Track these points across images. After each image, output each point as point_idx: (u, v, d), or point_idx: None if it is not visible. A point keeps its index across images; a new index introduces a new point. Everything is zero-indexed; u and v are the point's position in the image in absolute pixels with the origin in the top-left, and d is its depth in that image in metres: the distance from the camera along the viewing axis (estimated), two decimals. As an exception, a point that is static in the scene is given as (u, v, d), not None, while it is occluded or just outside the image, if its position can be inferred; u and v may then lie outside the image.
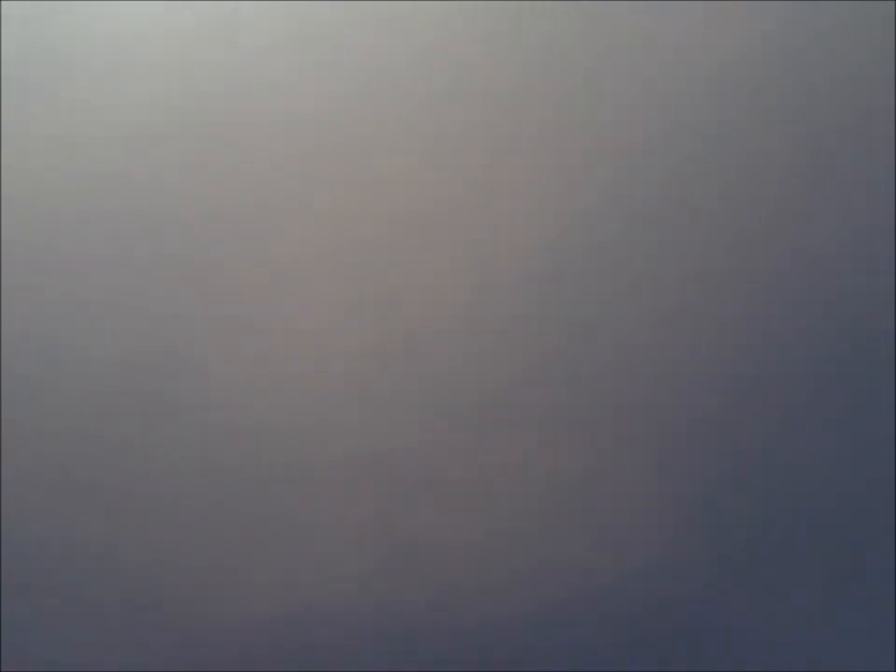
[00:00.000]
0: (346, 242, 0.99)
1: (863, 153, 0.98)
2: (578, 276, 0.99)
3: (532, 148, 0.98)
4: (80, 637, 0.97)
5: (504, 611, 0.99)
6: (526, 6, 0.98)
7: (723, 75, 0.99)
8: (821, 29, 1.00)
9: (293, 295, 0.99)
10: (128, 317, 0.98)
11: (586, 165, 0.99)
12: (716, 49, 0.99)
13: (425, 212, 0.98)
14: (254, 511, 0.99)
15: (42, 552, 0.97)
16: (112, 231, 0.98)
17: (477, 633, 0.99)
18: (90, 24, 0.94)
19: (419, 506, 0.99)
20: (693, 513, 0.99)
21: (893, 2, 1.00)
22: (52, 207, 0.98)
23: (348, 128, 0.98)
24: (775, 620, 0.98)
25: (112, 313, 0.98)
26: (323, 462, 0.99)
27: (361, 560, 0.99)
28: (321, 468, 0.99)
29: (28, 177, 0.97)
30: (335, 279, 0.98)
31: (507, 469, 0.99)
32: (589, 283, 0.99)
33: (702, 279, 0.99)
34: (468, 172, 0.99)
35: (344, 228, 0.98)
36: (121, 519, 0.98)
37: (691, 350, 0.99)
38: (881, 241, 0.99)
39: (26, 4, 0.88)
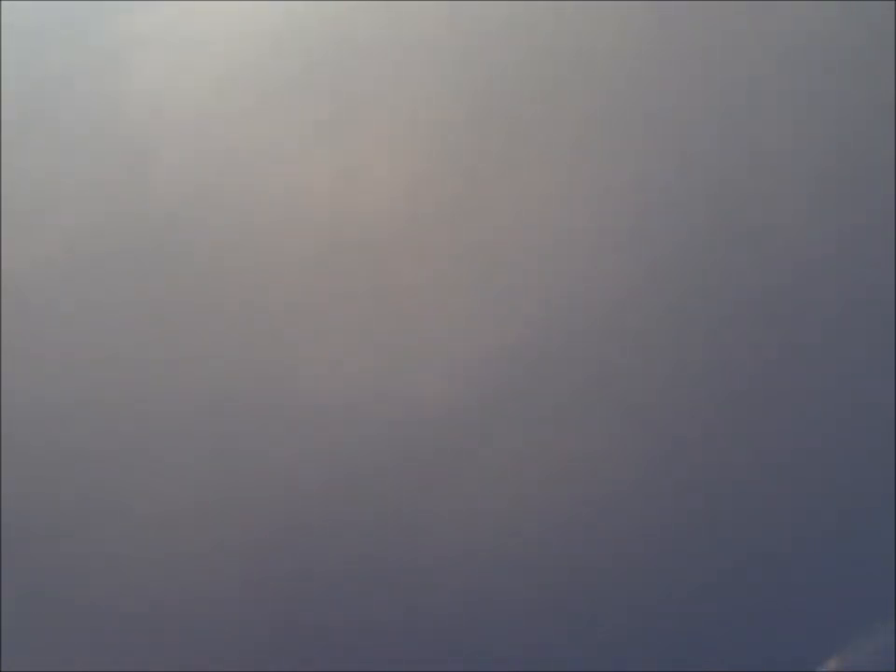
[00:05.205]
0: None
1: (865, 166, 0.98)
2: (580, 276, 0.99)
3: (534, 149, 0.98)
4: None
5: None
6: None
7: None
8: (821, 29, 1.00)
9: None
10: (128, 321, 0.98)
11: (586, 164, 0.99)
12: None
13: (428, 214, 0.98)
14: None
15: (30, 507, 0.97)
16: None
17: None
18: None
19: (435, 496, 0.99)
20: (699, 506, 0.99)
21: (893, 2, 1.00)
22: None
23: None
24: (779, 597, 0.99)
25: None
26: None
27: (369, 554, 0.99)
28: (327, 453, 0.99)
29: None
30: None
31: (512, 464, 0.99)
32: (593, 281, 0.99)
33: (706, 277, 0.99)
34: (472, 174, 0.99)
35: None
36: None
37: (695, 348, 0.99)
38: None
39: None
